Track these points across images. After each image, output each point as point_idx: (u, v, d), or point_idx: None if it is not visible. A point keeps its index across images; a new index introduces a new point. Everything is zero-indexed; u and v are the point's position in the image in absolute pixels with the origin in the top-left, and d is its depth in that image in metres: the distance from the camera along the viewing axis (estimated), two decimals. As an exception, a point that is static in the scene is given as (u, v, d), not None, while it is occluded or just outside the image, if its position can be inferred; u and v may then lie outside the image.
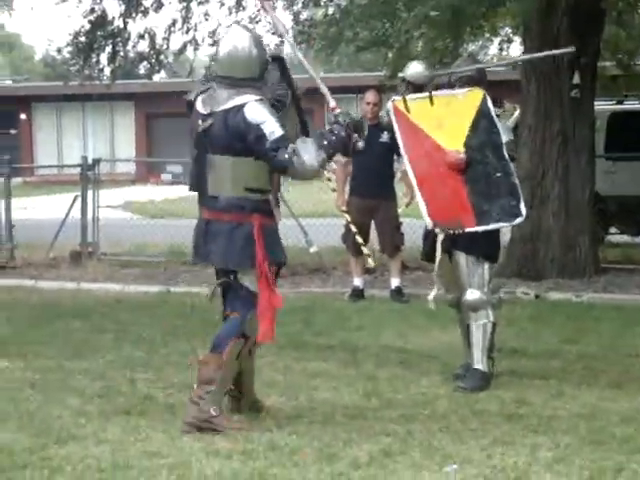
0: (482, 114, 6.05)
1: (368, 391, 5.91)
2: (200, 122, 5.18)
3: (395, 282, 9.58)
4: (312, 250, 11.03)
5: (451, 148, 6.01)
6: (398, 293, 9.52)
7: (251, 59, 5.16)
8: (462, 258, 6.14)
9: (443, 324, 8.00)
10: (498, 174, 5.99)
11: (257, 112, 5.06)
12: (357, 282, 9.71)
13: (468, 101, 6.09)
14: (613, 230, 12.89)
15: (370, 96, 9.52)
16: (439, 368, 6.54)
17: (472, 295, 6.14)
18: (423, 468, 4.44)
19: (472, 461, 4.54)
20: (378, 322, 8.27)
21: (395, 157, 9.32)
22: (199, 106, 5.22)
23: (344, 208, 9.59)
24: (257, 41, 5.23)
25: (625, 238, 12.51)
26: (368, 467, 4.45)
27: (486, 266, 6.18)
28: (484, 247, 6.13)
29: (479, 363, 6.09)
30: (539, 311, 8.63)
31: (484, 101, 6.07)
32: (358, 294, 9.62)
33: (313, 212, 13.57)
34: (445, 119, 6.09)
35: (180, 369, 6.48)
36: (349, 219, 9.51)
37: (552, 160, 10.22)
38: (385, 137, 9.20)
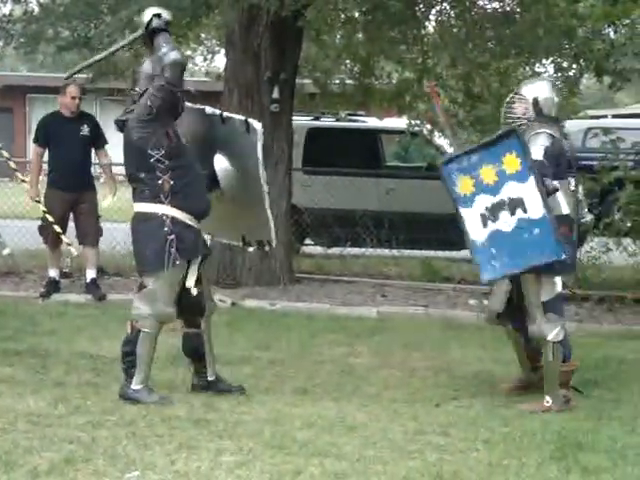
0: None
1: (56, 397, 5.77)
2: None
3: (91, 274, 9.58)
4: (5, 252, 10.75)
5: None
6: (94, 285, 9.56)
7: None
8: None
9: (136, 330, 7.97)
10: None
11: None
12: (53, 273, 9.64)
13: None
14: (308, 241, 13.33)
15: (75, 90, 9.51)
16: (131, 374, 6.51)
17: None
18: (105, 475, 4.40)
19: (155, 467, 4.55)
20: (72, 327, 8.10)
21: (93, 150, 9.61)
22: None
23: (38, 199, 9.51)
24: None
25: (318, 249, 12.97)
26: (48, 475, 4.35)
27: None
28: None
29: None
30: (235, 318, 8.78)
31: None
32: (53, 284, 9.57)
33: (7, 213, 13.08)
34: None
35: None
36: (44, 209, 9.41)
37: (251, 171, 10.42)
38: (86, 130, 9.48)
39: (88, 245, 9.60)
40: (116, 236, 11.22)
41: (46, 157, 9.63)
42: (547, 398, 6.06)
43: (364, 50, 11.87)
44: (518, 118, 6.30)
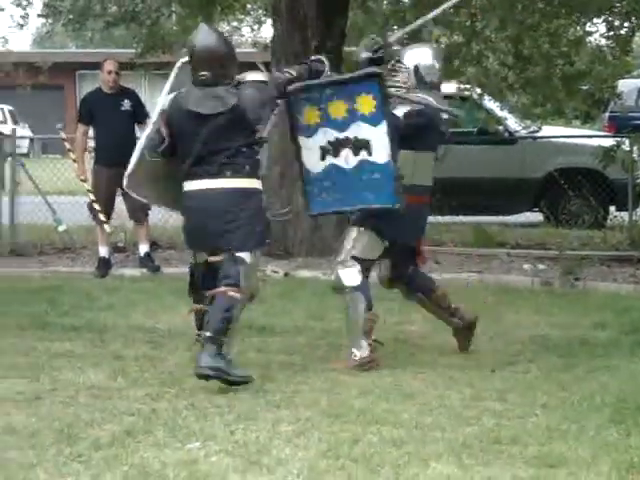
0: None
1: (115, 371, 5.84)
2: None
3: (144, 248, 9.71)
4: (61, 229, 10.88)
5: None
6: (148, 259, 9.68)
7: None
8: None
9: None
10: None
11: None
12: (103, 252, 9.73)
13: None
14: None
15: (110, 65, 9.59)
16: (187, 346, 6.54)
17: None
18: (166, 446, 4.45)
19: (215, 437, 4.58)
20: (127, 301, 8.18)
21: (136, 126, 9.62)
22: None
23: (83, 177, 9.64)
24: None
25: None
26: (109, 447, 4.40)
27: None
28: None
29: None
30: (288, 289, 8.81)
31: None
32: (105, 264, 9.66)
33: (62, 190, 13.23)
34: None
35: None
36: (89, 188, 9.53)
37: (301, 141, 10.42)
38: (127, 105, 9.56)
39: (138, 221, 9.69)
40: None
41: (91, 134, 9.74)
42: (353, 351, 6.09)
43: (411, 15, 11.75)
44: (400, 86, 6.24)
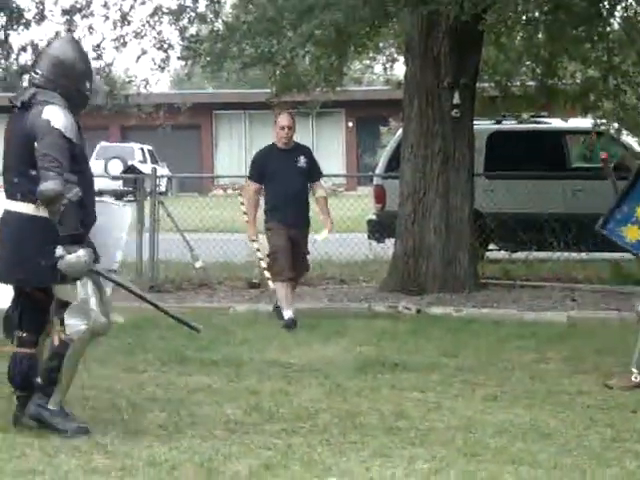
0: None
1: (250, 405, 5.92)
2: None
3: (289, 314, 8.76)
4: (198, 265, 11.12)
5: None
6: (293, 323, 8.70)
7: None
8: None
9: (325, 338, 8.12)
10: None
11: None
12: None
13: None
14: (492, 246, 13.18)
15: (284, 120, 8.98)
16: (321, 381, 6.61)
17: None
18: (303, 481, 4.50)
19: (351, 473, 4.61)
20: (262, 336, 8.30)
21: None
22: None
23: (254, 238, 9.28)
24: None
25: (503, 254, 12.81)
26: (248, 481, 4.48)
27: None
28: None
29: None
30: (420, 325, 8.79)
31: None
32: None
33: (199, 227, 13.54)
34: None
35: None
36: (257, 248, 9.44)
37: (433, 177, 10.44)
38: (302, 162, 8.96)
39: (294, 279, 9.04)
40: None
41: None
42: (635, 371, 6.23)
43: (546, 50, 11.66)
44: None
